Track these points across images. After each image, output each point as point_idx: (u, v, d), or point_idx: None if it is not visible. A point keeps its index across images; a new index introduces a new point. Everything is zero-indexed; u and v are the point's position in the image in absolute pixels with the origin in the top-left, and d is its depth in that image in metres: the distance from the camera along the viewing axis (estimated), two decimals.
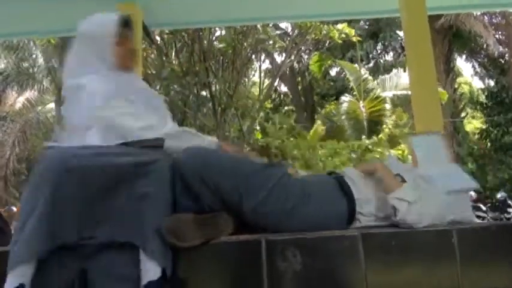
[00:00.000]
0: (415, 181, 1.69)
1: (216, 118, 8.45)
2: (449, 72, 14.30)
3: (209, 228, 1.46)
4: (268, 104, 13.00)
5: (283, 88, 17.87)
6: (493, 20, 14.96)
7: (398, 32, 16.13)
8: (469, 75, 20.37)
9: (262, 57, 11.60)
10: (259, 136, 10.39)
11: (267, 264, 1.49)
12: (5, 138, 13.73)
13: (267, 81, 11.90)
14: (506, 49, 14.67)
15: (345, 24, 8.69)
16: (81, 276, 1.36)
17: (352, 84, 13.00)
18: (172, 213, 1.47)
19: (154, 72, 8.57)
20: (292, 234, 1.54)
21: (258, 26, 7.88)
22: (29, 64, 13.59)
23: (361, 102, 12.35)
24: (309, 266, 1.49)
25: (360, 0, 3.81)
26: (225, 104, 8.54)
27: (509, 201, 9.86)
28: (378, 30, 16.75)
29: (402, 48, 15.69)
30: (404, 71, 12.50)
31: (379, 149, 10.41)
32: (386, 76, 13.76)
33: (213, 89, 8.48)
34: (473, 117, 17.95)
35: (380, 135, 11.65)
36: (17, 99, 14.91)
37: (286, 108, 18.10)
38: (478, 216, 9.46)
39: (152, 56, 8.87)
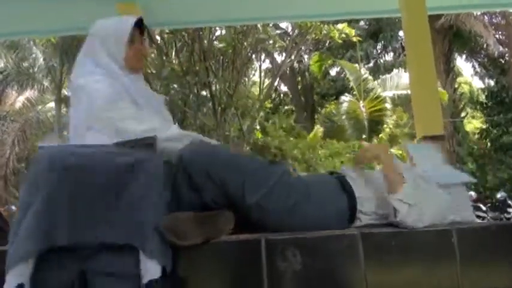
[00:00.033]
0: (415, 181, 1.69)
1: (216, 118, 8.45)
2: (449, 72, 14.30)
3: (209, 227, 1.46)
4: (268, 104, 13.00)
5: (283, 88, 17.89)
6: (493, 20, 14.96)
7: (398, 31, 16.13)
8: (469, 75, 20.38)
9: (263, 57, 11.61)
10: (259, 136, 10.39)
11: (266, 263, 1.49)
12: (4, 138, 13.73)
13: (267, 81, 11.90)
14: (506, 49, 14.67)
15: (345, 24, 8.69)
16: (80, 277, 1.35)
17: (352, 84, 13.01)
18: (176, 209, 1.47)
19: (154, 71, 8.56)
20: (292, 233, 1.54)
21: (258, 25, 7.87)
22: (29, 63, 13.59)
23: (361, 102, 12.36)
24: (309, 266, 1.49)
25: (360, 0, 3.81)
26: (225, 103, 8.54)
27: (509, 201, 9.87)
28: (378, 30, 16.76)
29: (402, 48, 15.69)
30: (406, 71, 12.50)
31: None
32: (387, 76, 13.77)
33: (213, 88, 8.48)
34: (473, 117, 17.96)
35: (381, 135, 11.66)
36: (17, 99, 14.91)
37: (286, 107, 18.12)
38: (478, 216, 9.46)
39: (152, 55, 8.86)
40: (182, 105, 8.75)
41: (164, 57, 8.44)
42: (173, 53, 8.80)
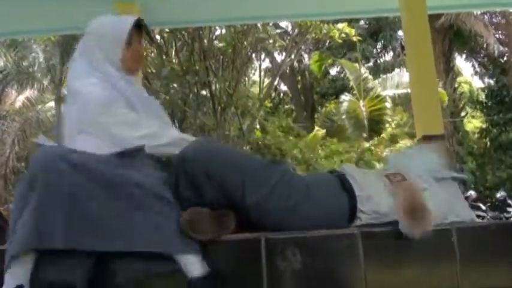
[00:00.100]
0: (415, 181, 1.69)
1: (216, 117, 8.45)
2: (449, 72, 14.30)
3: (220, 224, 1.47)
4: (268, 103, 13.00)
5: (283, 87, 17.88)
6: (493, 20, 14.95)
7: (398, 31, 16.13)
8: (469, 74, 20.36)
9: (262, 56, 11.61)
10: (259, 135, 10.39)
11: (266, 263, 1.50)
12: (4, 137, 13.72)
13: (267, 80, 11.90)
14: (507, 48, 14.66)
15: (345, 24, 8.69)
16: (83, 277, 1.35)
17: (352, 83, 13.01)
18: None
19: (154, 71, 8.57)
20: (292, 233, 1.54)
21: (258, 25, 7.87)
22: (28, 63, 13.57)
23: (361, 101, 12.36)
24: (309, 265, 1.49)
25: None
26: (225, 103, 8.54)
27: (509, 201, 9.86)
28: (378, 30, 16.75)
29: (402, 47, 15.69)
30: (406, 70, 12.49)
31: (378, 149, 10.44)
32: (388, 75, 13.76)
33: (213, 88, 8.48)
34: (473, 117, 17.96)
35: (382, 135, 11.67)
36: (17, 98, 14.89)
37: (286, 107, 18.12)
38: (478, 216, 9.45)
39: (152, 55, 8.86)
40: (182, 104, 8.75)
41: (164, 57, 8.44)
42: (173, 53, 8.79)
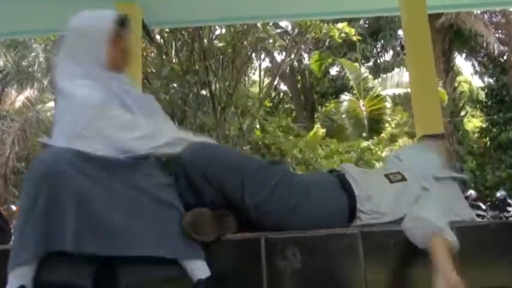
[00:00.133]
0: (416, 181, 1.69)
1: (216, 117, 8.46)
2: (449, 71, 14.31)
3: (221, 225, 1.47)
4: (268, 103, 13.00)
5: (283, 87, 17.88)
6: (493, 19, 14.95)
7: (398, 30, 16.12)
8: (468, 74, 20.36)
9: (262, 56, 11.61)
10: (259, 135, 10.39)
11: (266, 262, 1.50)
12: (4, 137, 13.71)
13: (266, 80, 11.90)
14: (507, 48, 14.66)
15: (345, 24, 8.69)
16: (88, 280, 1.36)
17: (352, 83, 13.01)
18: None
19: (154, 70, 8.57)
20: (292, 232, 1.54)
21: (258, 24, 7.87)
22: (28, 63, 13.57)
23: (361, 100, 12.36)
24: (309, 265, 1.50)
25: None
26: (225, 102, 8.55)
27: (509, 200, 9.87)
28: (377, 29, 16.75)
29: (402, 47, 15.69)
30: (406, 70, 12.49)
31: (377, 148, 10.44)
32: (388, 75, 13.76)
33: (213, 87, 8.48)
34: (473, 116, 17.97)
35: (382, 134, 11.67)
36: (17, 98, 14.88)
37: (286, 106, 18.12)
38: (478, 215, 9.46)
39: (152, 54, 8.87)
40: (182, 104, 8.75)
41: (164, 56, 8.44)
42: (173, 52, 8.80)
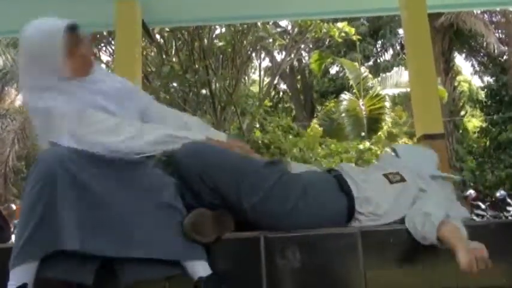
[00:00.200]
0: (414, 182, 1.69)
1: (216, 116, 8.46)
2: (449, 71, 14.31)
3: (220, 225, 1.47)
4: (268, 102, 13.01)
5: (283, 86, 17.88)
6: (493, 19, 14.96)
7: (398, 30, 16.13)
8: (468, 73, 20.37)
9: (262, 55, 11.61)
10: (259, 134, 10.40)
11: (266, 261, 1.50)
12: (4, 136, 13.72)
13: (266, 80, 11.90)
14: (506, 48, 14.66)
15: (345, 23, 8.69)
16: (90, 277, 1.36)
17: (351, 82, 13.01)
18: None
19: (154, 70, 8.57)
20: (291, 231, 1.54)
21: (258, 24, 7.87)
22: None
23: (360, 100, 12.36)
24: (308, 264, 1.50)
25: None
26: (224, 102, 8.55)
27: (509, 200, 9.87)
28: (377, 28, 16.75)
29: (402, 46, 15.69)
30: (406, 69, 12.49)
31: (377, 148, 10.44)
32: (388, 74, 13.76)
33: (213, 87, 8.49)
34: (472, 116, 17.98)
35: (379, 133, 11.68)
36: (17, 97, 14.89)
37: (285, 105, 18.13)
38: (478, 215, 9.47)
39: (152, 53, 8.87)
40: (182, 103, 8.75)
41: (164, 56, 8.45)
42: (173, 51, 8.80)
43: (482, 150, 15.26)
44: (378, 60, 17.52)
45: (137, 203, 1.39)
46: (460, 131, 14.98)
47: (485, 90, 16.65)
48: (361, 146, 10.56)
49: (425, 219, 1.48)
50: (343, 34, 8.58)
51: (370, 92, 12.55)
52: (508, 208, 9.63)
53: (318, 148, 10.81)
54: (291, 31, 9.66)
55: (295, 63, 15.64)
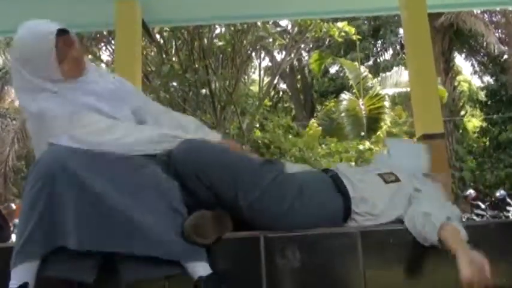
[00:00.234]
0: (409, 181, 1.70)
1: (216, 116, 8.46)
2: (448, 71, 14.30)
3: (220, 225, 1.47)
4: (268, 102, 13.00)
5: (283, 86, 17.88)
6: (493, 19, 14.95)
7: (398, 29, 16.12)
8: (468, 73, 20.35)
9: (262, 55, 11.60)
10: (259, 134, 10.40)
11: (265, 261, 1.50)
12: (4, 135, 13.72)
13: (266, 79, 11.89)
14: (506, 48, 14.66)
15: (345, 23, 8.68)
16: (91, 276, 1.36)
17: (351, 82, 13.00)
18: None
19: (154, 69, 8.57)
20: (291, 231, 1.54)
21: (258, 23, 7.87)
22: None
23: (360, 100, 12.35)
24: (308, 263, 1.50)
25: None
26: (224, 101, 8.55)
27: (508, 200, 9.86)
28: (377, 28, 16.75)
29: (402, 46, 15.68)
30: (405, 68, 12.48)
31: (377, 148, 10.44)
32: (387, 74, 13.75)
33: (213, 86, 8.48)
34: (472, 116, 17.98)
35: (378, 133, 11.67)
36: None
37: (285, 105, 18.13)
38: (477, 215, 9.47)
39: (152, 53, 8.87)
40: (182, 103, 8.75)
41: (164, 55, 8.44)
42: (173, 51, 8.79)
43: (482, 150, 15.27)
44: (378, 60, 17.51)
45: (136, 202, 1.39)
46: (460, 131, 14.97)
47: (485, 90, 16.66)
48: (361, 146, 10.56)
49: (425, 220, 1.48)
50: (343, 34, 8.57)
51: (370, 91, 12.55)
52: (508, 208, 9.62)
53: (317, 148, 10.80)
54: (291, 31, 9.66)
55: (295, 62, 15.63)
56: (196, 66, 8.07)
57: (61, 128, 1.49)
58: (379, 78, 13.55)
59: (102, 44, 9.12)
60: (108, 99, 1.63)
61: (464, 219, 9.30)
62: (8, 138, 13.39)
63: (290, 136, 10.86)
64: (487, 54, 15.77)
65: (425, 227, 1.47)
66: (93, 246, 1.32)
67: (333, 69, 17.49)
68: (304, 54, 15.91)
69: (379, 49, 17.68)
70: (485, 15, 14.33)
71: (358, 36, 10.21)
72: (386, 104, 12.26)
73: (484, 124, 15.91)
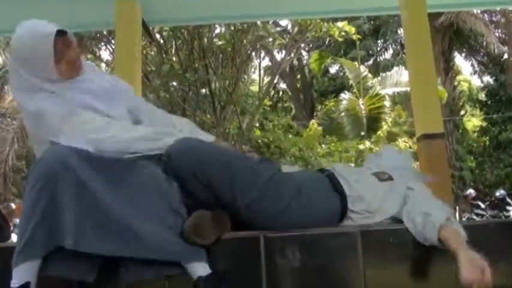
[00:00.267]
0: (401, 180, 1.71)
1: (216, 115, 8.45)
2: (448, 70, 14.30)
3: (219, 226, 1.47)
4: (268, 102, 13.00)
5: (283, 85, 17.87)
6: (493, 18, 14.95)
7: (398, 29, 16.11)
8: (468, 73, 20.36)
9: (262, 54, 11.59)
10: (258, 133, 10.40)
11: (265, 261, 1.50)
12: (4, 135, 13.71)
13: (266, 79, 11.89)
14: (506, 47, 14.66)
15: (345, 22, 8.68)
16: (91, 276, 1.36)
17: (351, 81, 13.00)
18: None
19: (154, 69, 8.57)
20: (291, 231, 1.54)
21: (258, 23, 7.86)
22: None
23: (360, 99, 12.36)
24: (308, 263, 1.50)
25: None
26: (224, 101, 8.54)
27: (508, 199, 9.87)
28: (378, 27, 16.74)
29: (402, 45, 15.68)
30: (405, 68, 12.48)
31: (377, 148, 10.44)
32: (388, 73, 13.75)
33: (213, 86, 8.47)
34: (472, 115, 17.99)
35: (379, 133, 11.68)
36: None
37: (285, 105, 18.12)
38: (477, 214, 9.48)
39: (152, 53, 8.86)
40: (181, 102, 8.75)
41: (164, 55, 8.44)
42: (173, 51, 8.79)
43: (482, 149, 15.28)
44: (378, 59, 17.50)
45: (137, 203, 1.39)
46: (460, 131, 14.97)
47: (485, 89, 16.66)
48: (361, 146, 10.56)
49: (425, 220, 1.49)
50: (343, 33, 8.57)
51: (370, 91, 12.56)
52: (508, 207, 9.64)
53: (317, 147, 10.80)
54: (290, 30, 9.66)
55: (295, 62, 15.62)
56: (196, 65, 8.07)
57: (59, 126, 1.51)
58: (379, 78, 13.56)
59: (102, 44, 9.12)
60: (104, 97, 1.64)
61: (464, 219, 9.32)
62: (8, 137, 13.38)
63: (290, 136, 10.86)
64: (486, 54, 15.78)
65: (425, 227, 1.48)
66: (90, 248, 1.32)
67: (333, 69, 17.52)
68: (304, 53, 15.94)
69: (379, 48, 17.68)
70: (485, 15, 14.34)
71: (359, 36, 10.20)
72: (387, 103, 12.27)
73: (484, 124, 15.92)
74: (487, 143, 15.20)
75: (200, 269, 1.39)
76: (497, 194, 10.27)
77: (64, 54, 1.57)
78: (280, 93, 18.28)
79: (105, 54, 9.89)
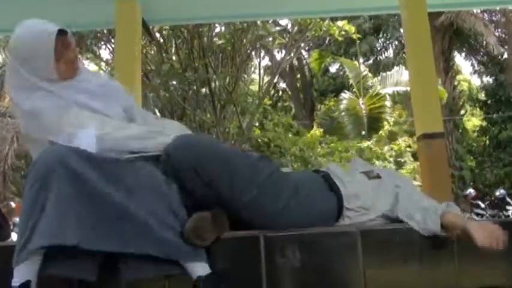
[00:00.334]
0: (391, 178, 1.76)
1: (216, 114, 8.45)
2: (448, 70, 14.30)
3: (218, 225, 1.47)
4: (268, 101, 12.99)
5: (282, 85, 17.86)
6: (493, 18, 14.95)
7: (398, 29, 16.10)
8: (468, 72, 20.36)
9: (262, 54, 11.58)
10: (258, 133, 10.39)
11: (265, 261, 1.50)
12: (3, 134, 13.70)
13: (266, 78, 11.88)
14: (506, 47, 14.66)
15: (345, 22, 8.67)
16: (93, 274, 1.36)
17: (351, 81, 12.99)
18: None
19: (153, 68, 8.56)
20: (290, 230, 1.54)
21: (258, 22, 7.86)
22: None
23: (360, 99, 12.35)
24: (308, 262, 1.50)
25: None
26: (224, 100, 8.54)
27: (508, 199, 9.87)
28: (378, 27, 16.73)
29: (402, 45, 15.67)
30: (406, 68, 12.47)
31: (377, 147, 10.45)
32: (388, 73, 13.74)
33: (213, 85, 8.47)
34: (472, 115, 17.99)
35: (380, 132, 11.68)
36: None
37: (285, 104, 18.12)
38: (477, 214, 9.48)
39: (152, 52, 8.86)
40: (181, 102, 8.75)
41: (164, 54, 8.43)
42: (173, 50, 8.78)
43: (481, 149, 15.28)
44: (378, 59, 17.49)
45: (137, 203, 1.39)
46: (460, 130, 14.97)
47: (485, 89, 16.66)
48: (361, 145, 10.57)
49: (424, 214, 1.54)
50: (343, 33, 8.56)
51: (370, 91, 12.55)
52: (508, 207, 9.64)
53: (317, 147, 10.80)
54: (290, 30, 9.64)
55: (295, 61, 15.60)
56: (196, 65, 8.06)
57: (56, 126, 1.51)
58: (379, 78, 13.55)
59: (102, 43, 9.11)
60: (101, 96, 1.65)
61: None
62: (8, 136, 13.38)
63: (290, 135, 10.85)
64: (486, 54, 15.77)
65: (426, 220, 1.53)
66: (92, 245, 1.32)
67: (333, 68, 17.49)
68: (304, 53, 15.91)
69: (379, 48, 17.67)
70: (485, 14, 14.34)
71: (358, 35, 10.19)
72: (387, 103, 12.26)
73: (484, 123, 15.92)
74: (487, 142, 15.21)
75: (200, 268, 1.39)
76: (497, 193, 10.27)
77: (63, 54, 1.58)
78: (280, 92, 18.26)
79: (105, 54, 9.89)
